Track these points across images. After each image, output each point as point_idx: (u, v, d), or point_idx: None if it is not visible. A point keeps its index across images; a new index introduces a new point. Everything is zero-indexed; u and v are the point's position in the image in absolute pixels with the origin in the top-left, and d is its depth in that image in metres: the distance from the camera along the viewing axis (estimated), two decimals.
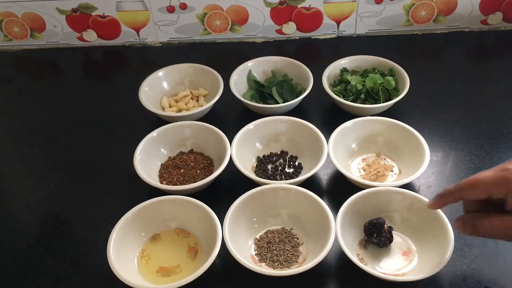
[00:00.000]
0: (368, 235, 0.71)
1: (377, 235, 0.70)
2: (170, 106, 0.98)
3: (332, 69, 0.99)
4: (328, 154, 0.80)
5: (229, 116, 0.99)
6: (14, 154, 0.95)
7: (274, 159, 0.88)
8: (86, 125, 0.99)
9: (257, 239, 0.75)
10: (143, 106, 0.93)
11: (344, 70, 1.00)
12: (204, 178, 0.80)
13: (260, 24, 1.15)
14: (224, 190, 0.83)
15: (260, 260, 0.72)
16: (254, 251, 0.74)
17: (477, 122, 0.93)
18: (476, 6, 1.13)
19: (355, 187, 0.77)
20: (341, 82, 0.98)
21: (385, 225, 0.71)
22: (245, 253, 0.72)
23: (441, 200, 0.63)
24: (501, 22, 1.16)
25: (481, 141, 0.89)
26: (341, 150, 0.84)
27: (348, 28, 1.16)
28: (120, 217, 0.72)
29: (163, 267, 0.72)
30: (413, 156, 0.81)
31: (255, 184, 0.79)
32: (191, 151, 0.89)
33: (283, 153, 0.89)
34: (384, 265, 0.70)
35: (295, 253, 0.73)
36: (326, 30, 1.17)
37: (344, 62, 1.01)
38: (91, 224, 0.80)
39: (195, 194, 0.79)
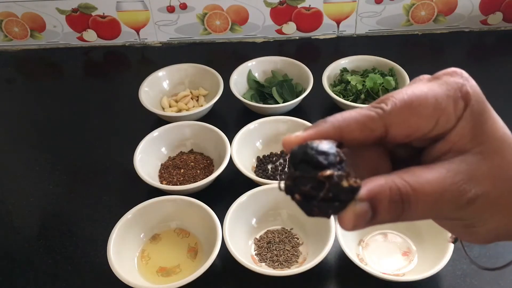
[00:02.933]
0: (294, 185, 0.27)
1: (340, 169, 0.27)
2: (170, 106, 0.98)
3: (332, 69, 0.99)
4: None
5: (229, 116, 0.99)
6: (14, 154, 0.94)
7: (274, 159, 0.88)
8: (86, 125, 0.99)
9: (257, 239, 0.75)
10: (143, 106, 0.93)
11: (344, 70, 1.00)
12: (204, 178, 0.80)
13: (260, 24, 1.15)
14: (224, 190, 0.83)
15: (260, 260, 0.72)
16: (254, 251, 0.74)
17: None
18: (476, 6, 1.13)
19: None
20: (341, 82, 0.98)
21: (345, 174, 0.26)
22: (245, 253, 0.72)
23: (337, 128, 0.30)
24: (501, 22, 1.16)
25: None
26: None
27: (348, 28, 1.16)
28: (120, 217, 0.72)
29: (163, 267, 0.72)
30: None
31: (255, 184, 0.79)
32: (191, 151, 0.89)
33: (283, 153, 0.89)
34: (384, 265, 0.70)
35: (295, 253, 0.73)
36: (326, 30, 1.17)
37: (344, 62, 1.01)
38: (91, 224, 0.80)
39: (195, 194, 0.79)
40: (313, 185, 0.26)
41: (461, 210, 0.29)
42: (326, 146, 0.27)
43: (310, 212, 0.27)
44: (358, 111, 0.29)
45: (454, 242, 0.38)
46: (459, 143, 0.29)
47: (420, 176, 0.28)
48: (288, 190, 0.27)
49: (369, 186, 0.27)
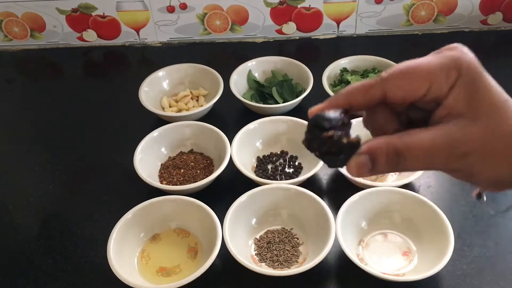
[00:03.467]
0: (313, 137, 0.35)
1: (345, 134, 0.35)
2: (170, 106, 0.98)
3: (332, 69, 0.99)
4: None
5: (229, 116, 0.99)
6: (14, 154, 0.94)
7: (274, 159, 0.88)
8: (86, 125, 0.99)
9: (257, 239, 0.75)
10: (143, 106, 0.93)
11: (344, 70, 1.00)
12: (204, 178, 0.80)
13: (260, 24, 1.15)
14: (224, 190, 0.83)
15: (260, 260, 0.72)
16: (254, 251, 0.74)
17: None
18: (476, 6, 1.13)
19: (355, 187, 0.77)
20: (341, 82, 0.98)
21: (344, 134, 0.35)
22: (245, 253, 0.72)
23: (345, 97, 0.36)
24: (501, 22, 1.16)
25: None
26: None
27: (348, 28, 1.16)
28: (120, 217, 0.72)
29: (163, 267, 0.72)
30: None
31: (255, 184, 0.79)
32: (191, 151, 0.89)
33: (283, 153, 0.89)
34: (384, 265, 0.70)
35: (295, 253, 0.73)
36: (326, 30, 1.17)
37: (344, 62, 1.01)
38: (91, 224, 0.80)
39: (195, 194, 0.79)
40: (321, 144, 0.34)
41: (454, 163, 0.34)
42: (332, 114, 0.34)
43: (328, 164, 0.36)
44: (362, 81, 0.36)
45: (479, 198, 0.40)
46: (455, 108, 0.34)
47: (414, 135, 0.34)
48: (307, 148, 0.35)
49: (370, 143, 0.34)
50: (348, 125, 0.35)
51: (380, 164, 0.34)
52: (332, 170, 0.84)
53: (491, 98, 0.33)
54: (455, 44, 0.35)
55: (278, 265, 0.71)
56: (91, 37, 1.18)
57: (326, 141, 0.34)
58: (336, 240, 0.68)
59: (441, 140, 0.33)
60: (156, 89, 1.00)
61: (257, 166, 0.87)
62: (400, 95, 0.34)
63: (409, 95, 0.34)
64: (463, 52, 0.34)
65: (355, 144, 0.34)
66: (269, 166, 0.87)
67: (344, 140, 0.34)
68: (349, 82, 0.95)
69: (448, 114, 0.34)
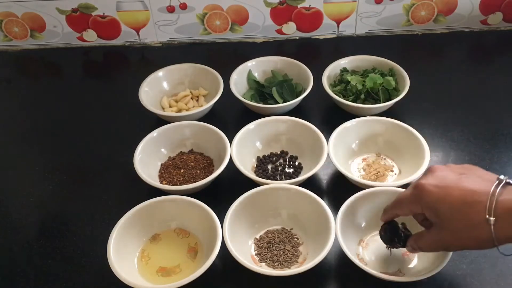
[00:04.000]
0: (389, 242, 0.67)
1: (398, 239, 0.66)
2: (170, 106, 0.98)
3: (332, 69, 0.99)
4: (328, 154, 0.80)
5: (229, 116, 0.99)
6: (14, 154, 0.95)
7: (274, 159, 0.88)
8: (86, 125, 0.99)
9: (257, 239, 0.75)
10: (143, 106, 0.93)
11: (344, 70, 1.00)
12: (204, 178, 0.80)
13: (260, 24, 1.15)
14: (224, 190, 0.83)
15: (260, 260, 0.72)
16: (254, 251, 0.74)
17: (477, 122, 0.93)
18: (476, 6, 1.13)
19: (355, 187, 0.77)
20: (341, 82, 0.98)
21: (399, 226, 0.66)
22: (245, 253, 0.72)
23: (384, 216, 0.67)
24: (501, 22, 1.16)
25: (481, 141, 0.89)
26: (341, 150, 0.84)
27: (348, 28, 1.16)
28: (120, 217, 0.72)
29: (163, 267, 0.72)
30: (413, 156, 0.81)
31: (255, 184, 0.79)
32: (191, 151, 0.89)
33: (283, 153, 0.89)
34: (384, 265, 0.70)
35: (295, 253, 0.73)
36: (326, 30, 1.17)
37: (344, 62, 1.01)
38: (91, 224, 0.80)
39: (195, 194, 0.79)
40: (388, 244, 0.68)
41: (445, 249, 0.63)
42: (389, 227, 0.67)
43: (393, 247, 0.69)
44: (388, 211, 0.66)
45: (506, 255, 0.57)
46: (431, 219, 0.59)
47: (422, 237, 0.62)
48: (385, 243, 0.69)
49: (409, 242, 0.65)
50: (397, 233, 0.66)
51: (414, 251, 0.66)
52: (331, 170, 0.85)
53: (448, 208, 0.56)
54: (418, 183, 0.59)
55: (278, 265, 0.71)
56: (91, 37, 1.18)
57: (391, 245, 0.68)
58: (336, 240, 0.68)
59: (433, 242, 0.60)
60: (156, 89, 1.00)
61: (257, 166, 0.87)
62: (402, 215, 0.64)
63: (405, 215, 0.64)
64: (423, 190, 0.58)
65: (401, 245, 0.66)
66: (269, 166, 0.87)
67: (397, 246, 0.67)
68: (349, 82, 0.95)
69: (432, 220, 0.59)
